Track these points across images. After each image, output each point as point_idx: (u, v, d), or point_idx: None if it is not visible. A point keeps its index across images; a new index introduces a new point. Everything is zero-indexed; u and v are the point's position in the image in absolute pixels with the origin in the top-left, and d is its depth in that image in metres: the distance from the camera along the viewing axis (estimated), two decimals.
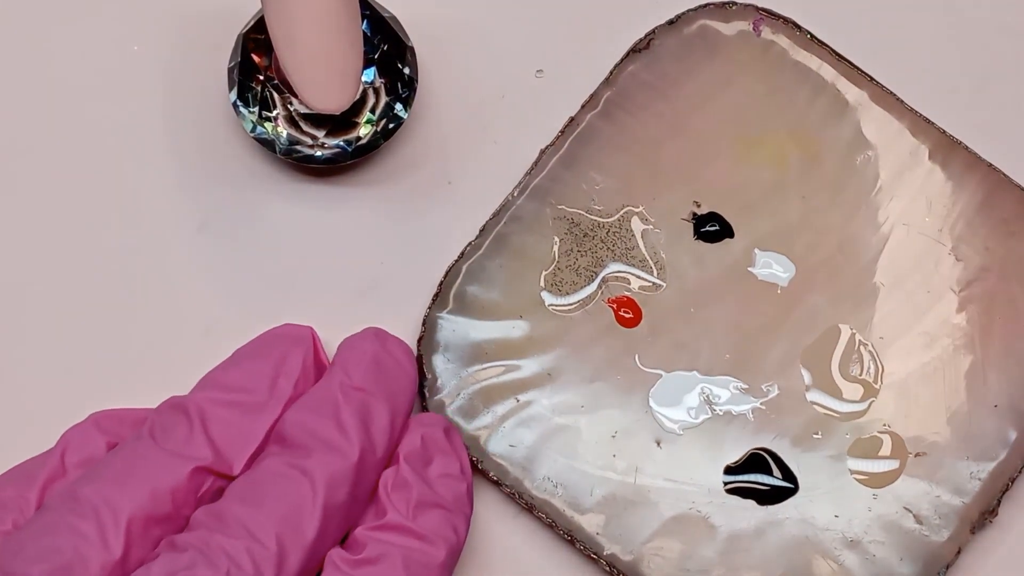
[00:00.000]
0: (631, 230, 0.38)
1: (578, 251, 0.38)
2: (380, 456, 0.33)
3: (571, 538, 0.36)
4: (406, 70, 0.38)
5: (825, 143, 0.39)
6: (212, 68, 0.39)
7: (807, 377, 0.37)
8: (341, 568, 0.32)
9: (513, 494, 0.36)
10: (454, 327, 0.37)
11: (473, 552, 0.37)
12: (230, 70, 0.37)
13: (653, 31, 0.39)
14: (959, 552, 0.36)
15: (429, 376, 0.36)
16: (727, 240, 0.38)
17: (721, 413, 0.37)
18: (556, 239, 0.38)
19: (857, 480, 0.36)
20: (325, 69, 0.34)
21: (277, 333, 0.35)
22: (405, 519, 0.32)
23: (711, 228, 0.38)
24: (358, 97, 0.37)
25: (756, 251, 0.38)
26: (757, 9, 0.39)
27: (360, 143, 0.37)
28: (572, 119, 0.38)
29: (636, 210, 0.38)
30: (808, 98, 0.39)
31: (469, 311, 0.37)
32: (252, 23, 0.37)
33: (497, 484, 0.36)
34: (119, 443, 0.34)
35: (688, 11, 0.39)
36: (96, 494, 0.31)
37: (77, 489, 0.32)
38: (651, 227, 0.38)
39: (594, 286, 0.38)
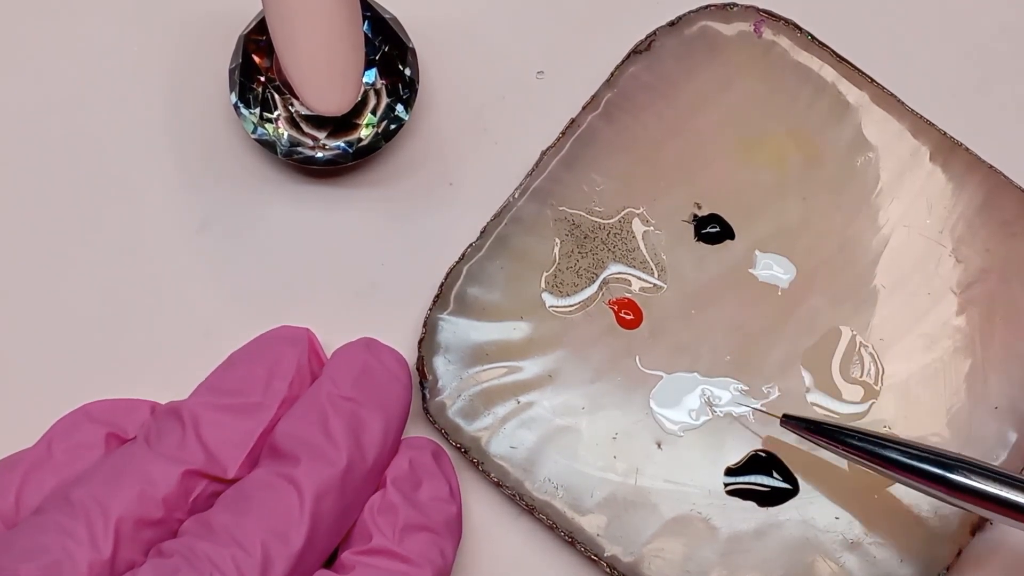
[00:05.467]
0: (632, 232, 0.38)
1: (579, 252, 0.38)
2: (370, 465, 0.33)
3: (572, 539, 0.36)
4: (407, 71, 0.38)
5: (826, 144, 0.39)
6: (213, 69, 0.39)
7: (808, 379, 0.37)
8: None
9: (514, 496, 0.36)
10: (455, 328, 0.37)
11: (474, 554, 0.37)
12: (231, 71, 0.37)
13: (654, 32, 0.39)
14: (959, 553, 0.36)
15: (430, 377, 0.36)
16: (728, 242, 0.38)
17: (722, 415, 0.37)
18: (557, 240, 0.38)
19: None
20: (326, 71, 0.34)
21: (272, 335, 0.35)
22: (391, 543, 0.32)
23: (712, 230, 0.38)
24: (359, 99, 0.37)
25: (757, 253, 0.38)
26: (758, 10, 0.39)
27: (361, 144, 0.37)
28: (573, 120, 0.38)
29: (637, 212, 0.38)
30: (809, 99, 0.39)
31: (470, 312, 0.37)
32: (253, 24, 0.37)
33: (498, 485, 0.36)
34: (111, 429, 0.34)
35: (689, 12, 0.39)
36: (87, 495, 0.31)
37: (69, 491, 0.32)
38: (652, 228, 0.38)
39: (595, 287, 0.38)
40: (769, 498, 0.36)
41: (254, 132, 0.37)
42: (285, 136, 0.37)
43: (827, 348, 0.37)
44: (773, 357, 0.37)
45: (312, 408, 0.33)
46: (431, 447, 0.35)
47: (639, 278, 0.38)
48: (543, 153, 0.38)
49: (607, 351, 0.37)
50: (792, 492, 0.36)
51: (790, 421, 0.35)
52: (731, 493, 0.36)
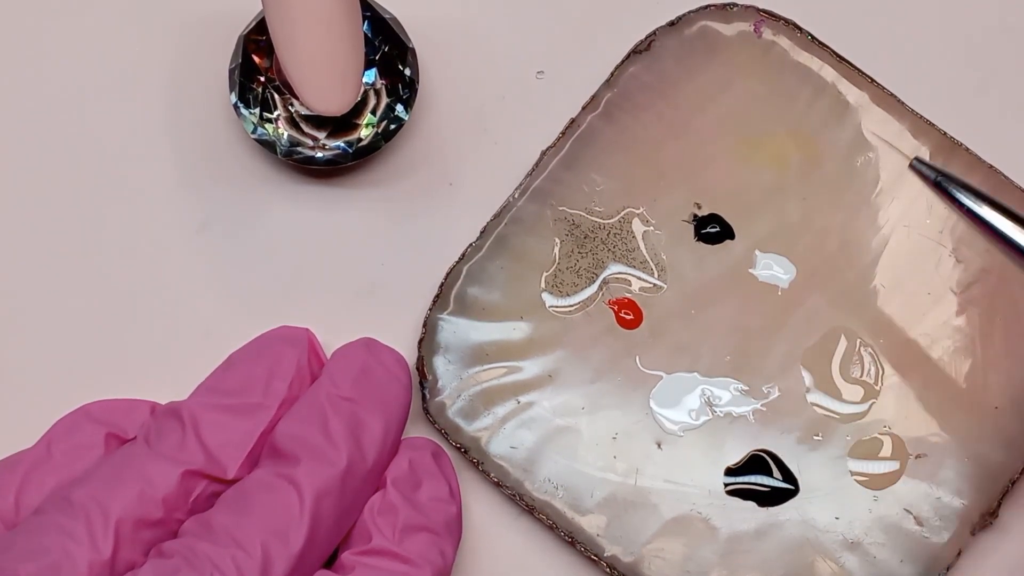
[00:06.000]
0: (632, 231, 0.38)
1: (579, 252, 0.38)
2: (370, 466, 0.33)
3: (572, 540, 0.36)
4: (407, 71, 0.38)
5: (826, 144, 0.39)
6: (213, 70, 0.39)
7: (807, 378, 0.37)
8: None
9: (514, 496, 0.36)
10: (455, 328, 0.37)
11: (474, 554, 0.37)
12: (231, 71, 0.37)
13: (654, 32, 0.39)
14: (960, 554, 0.36)
15: (430, 378, 0.36)
16: (728, 242, 0.38)
17: (722, 415, 0.37)
18: (557, 240, 0.38)
19: (857, 482, 0.36)
20: (326, 71, 0.34)
21: (272, 335, 0.35)
22: (390, 543, 0.32)
23: (712, 230, 0.38)
24: (359, 99, 0.37)
25: (757, 252, 0.38)
26: (758, 10, 0.39)
27: (361, 144, 0.37)
28: (573, 120, 0.38)
29: (637, 211, 0.38)
30: (809, 99, 0.39)
31: (470, 312, 0.37)
32: (253, 24, 0.37)
33: (498, 486, 0.36)
34: (111, 429, 0.34)
35: (689, 12, 0.39)
36: (87, 496, 0.31)
37: (69, 492, 0.32)
38: (652, 228, 0.38)
39: (595, 287, 0.38)
40: (769, 498, 0.36)
41: (254, 132, 0.37)
42: (285, 136, 0.37)
43: (827, 348, 0.37)
44: (773, 357, 0.37)
45: (312, 409, 0.33)
46: (431, 447, 0.35)
47: (639, 278, 0.38)
48: (543, 153, 0.38)
49: (607, 351, 0.37)
50: (792, 492, 0.36)
51: (921, 164, 0.34)
52: (731, 493, 0.36)
